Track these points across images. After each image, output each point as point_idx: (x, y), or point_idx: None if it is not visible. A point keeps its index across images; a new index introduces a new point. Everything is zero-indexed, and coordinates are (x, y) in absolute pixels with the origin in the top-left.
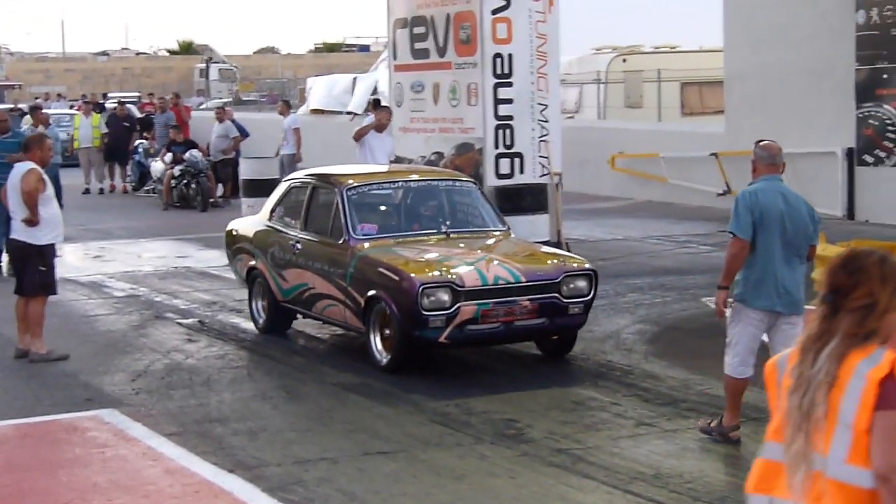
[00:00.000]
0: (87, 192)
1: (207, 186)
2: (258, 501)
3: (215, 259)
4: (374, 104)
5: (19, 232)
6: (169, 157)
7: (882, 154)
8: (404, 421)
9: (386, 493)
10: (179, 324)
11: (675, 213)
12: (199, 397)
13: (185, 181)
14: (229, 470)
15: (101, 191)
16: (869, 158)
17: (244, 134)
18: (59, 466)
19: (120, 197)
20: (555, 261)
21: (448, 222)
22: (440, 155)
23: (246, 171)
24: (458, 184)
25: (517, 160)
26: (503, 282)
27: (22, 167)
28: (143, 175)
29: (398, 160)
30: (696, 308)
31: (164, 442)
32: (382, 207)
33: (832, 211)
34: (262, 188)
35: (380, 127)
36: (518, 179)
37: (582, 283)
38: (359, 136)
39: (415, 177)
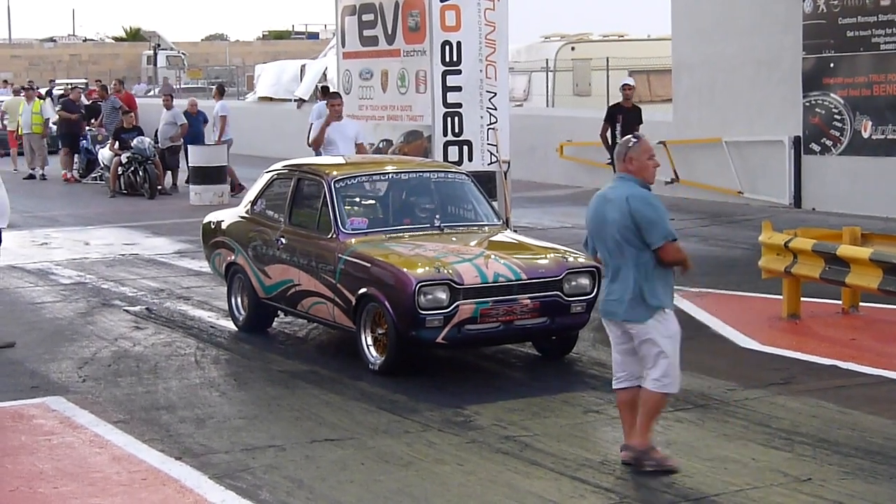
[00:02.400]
0: (31, 177)
1: (155, 174)
2: (205, 489)
3: (163, 246)
4: (324, 91)
5: None
6: (117, 144)
7: (829, 143)
8: (352, 408)
9: (333, 480)
10: (127, 311)
11: None
12: (146, 385)
13: (132, 168)
14: (177, 457)
15: (44, 177)
16: (816, 147)
17: (203, 120)
18: (5, 454)
19: (67, 184)
20: (556, 256)
21: (440, 216)
22: (389, 142)
23: (194, 158)
24: (450, 176)
25: (465, 148)
26: (503, 279)
27: None
28: (90, 162)
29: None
30: None
31: (111, 429)
32: (372, 201)
33: (779, 199)
34: (210, 176)
35: (336, 116)
36: (466, 167)
37: (585, 281)
38: (317, 144)
39: (405, 168)
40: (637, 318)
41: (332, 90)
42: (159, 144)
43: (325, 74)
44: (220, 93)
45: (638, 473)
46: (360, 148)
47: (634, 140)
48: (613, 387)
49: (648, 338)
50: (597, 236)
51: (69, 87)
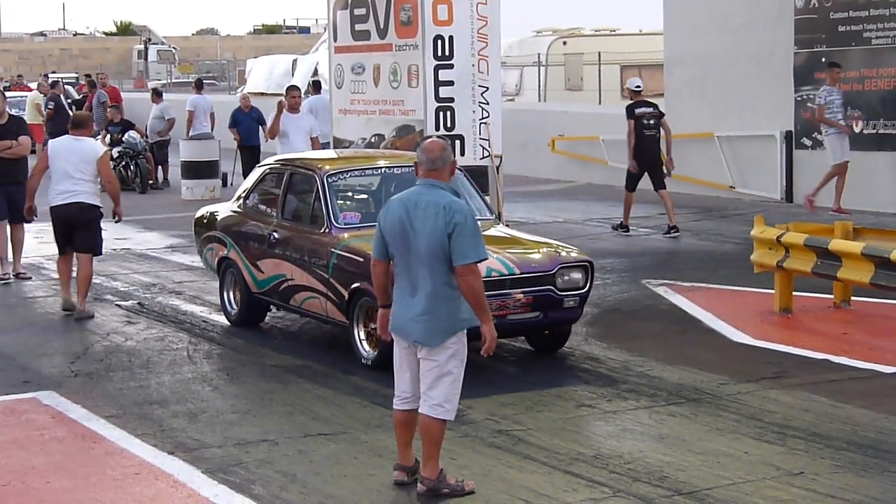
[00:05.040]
0: None
1: (147, 168)
2: (199, 483)
3: (155, 241)
4: (315, 86)
5: (86, 196)
6: (108, 138)
7: (820, 137)
8: (345, 403)
9: (326, 474)
10: (119, 306)
11: (616, 195)
12: (138, 379)
13: (123, 163)
14: (169, 452)
15: None
16: (807, 142)
17: (256, 118)
18: None
19: None
20: (548, 251)
21: None
22: (381, 137)
23: (185, 153)
24: None
25: (458, 142)
26: (496, 273)
27: (92, 142)
28: None
29: (337, 143)
30: (635, 290)
31: (104, 424)
32: (364, 195)
33: (771, 194)
34: (201, 170)
35: (291, 108)
36: (458, 161)
37: (577, 276)
38: (273, 134)
39: (398, 163)
40: (431, 340)
41: (323, 84)
42: (148, 138)
43: (316, 69)
44: (198, 87)
45: (630, 468)
46: (314, 142)
47: (448, 145)
48: (395, 406)
49: (437, 360)
50: (398, 245)
51: (52, 82)
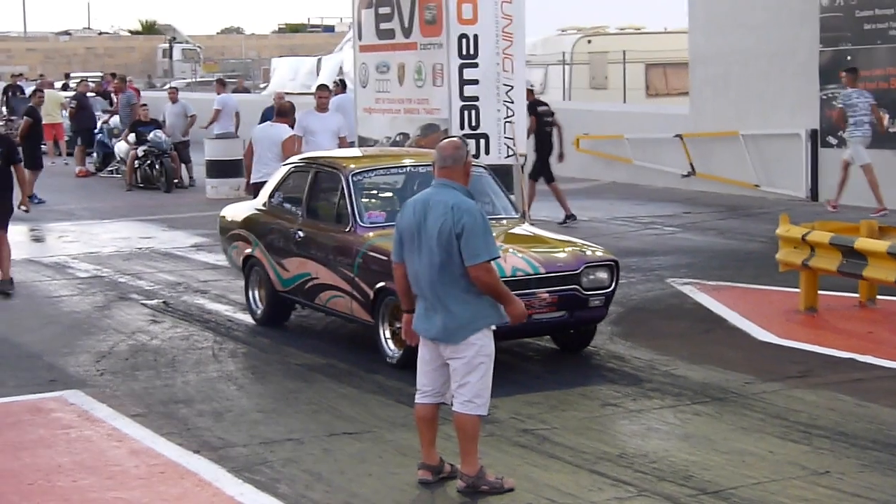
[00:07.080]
0: None
1: (171, 167)
2: (224, 482)
3: (179, 240)
4: (341, 84)
5: (271, 176)
6: (132, 137)
7: (845, 136)
8: (369, 401)
9: (352, 473)
10: (144, 305)
11: (640, 194)
12: (164, 378)
13: (148, 162)
14: (195, 451)
15: None
16: (832, 140)
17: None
18: (24, 448)
19: (82, 178)
20: (574, 250)
21: None
22: (406, 136)
23: (210, 152)
24: None
25: (483, 141)
26: (521, 273)
27: (281, 127)
28: (107, 156)
29: (362, 141)
30: (660, 289)
31: (129, 423)
32: (390, 194)
33: (796, 192)
34: (226, 169)
35: (319, 107)
36: (483, 160)
37: (603, 275)
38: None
39: (423, 162)
40: (453, 338)
41: (348, 83)
42: (170, 138)
43: (341, 69)
44: (222, 85)
45: (656, 467)
46: (342, 142)
47: (466, 144)
48: (415, 401)
49: (463, 356)
50: (412, 245)
51: (79, 80)
